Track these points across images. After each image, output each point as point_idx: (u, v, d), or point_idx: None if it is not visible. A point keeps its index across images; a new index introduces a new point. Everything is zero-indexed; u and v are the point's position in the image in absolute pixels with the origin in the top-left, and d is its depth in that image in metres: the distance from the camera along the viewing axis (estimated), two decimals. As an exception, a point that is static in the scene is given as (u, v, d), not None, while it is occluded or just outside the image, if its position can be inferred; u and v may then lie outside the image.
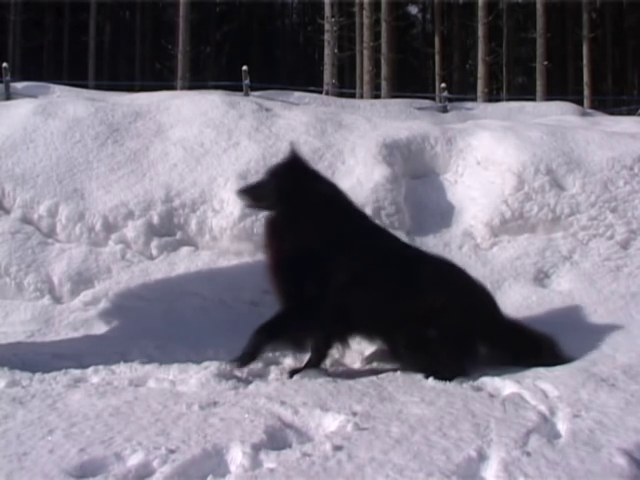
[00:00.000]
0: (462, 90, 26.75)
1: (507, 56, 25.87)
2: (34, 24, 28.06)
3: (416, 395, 3.15)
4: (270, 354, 3.76)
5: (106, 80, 24.77)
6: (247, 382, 3.41)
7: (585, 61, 23.04)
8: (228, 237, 4.80)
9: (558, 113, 13.92)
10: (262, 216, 4.15)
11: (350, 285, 3.47)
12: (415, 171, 5.60)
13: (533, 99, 19.94)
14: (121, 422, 2.81)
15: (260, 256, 4.03)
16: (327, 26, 20.35)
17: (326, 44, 20.49)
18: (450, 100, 17.25)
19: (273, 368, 3.64)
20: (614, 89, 28.65)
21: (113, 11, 31.85)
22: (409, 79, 31.60)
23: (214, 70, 31.73)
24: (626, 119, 9.90)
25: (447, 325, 3.42)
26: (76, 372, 3.48)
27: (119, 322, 4.22)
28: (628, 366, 3.52)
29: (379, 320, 3.54)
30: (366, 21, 20.53)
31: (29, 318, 4.22)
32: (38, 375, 3.40)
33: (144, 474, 2.37)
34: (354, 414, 2.88)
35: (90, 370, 3.50)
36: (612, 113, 16.43)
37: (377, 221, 4.46)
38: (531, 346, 3.64)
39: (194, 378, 3.34)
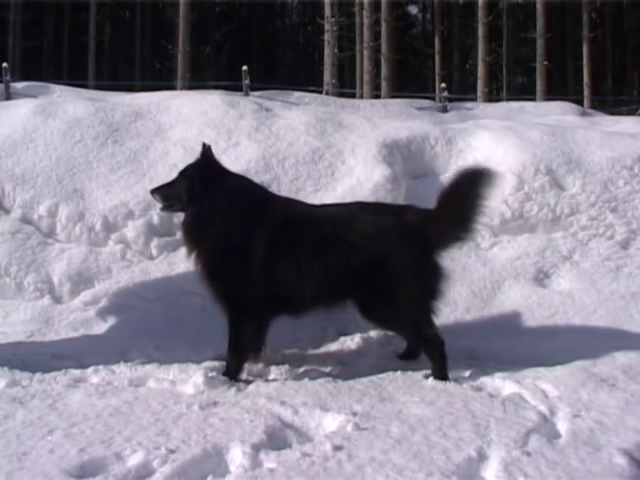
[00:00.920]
0: (462, 90, 26.75)
1: (507, 56, 25.87)
2: (34, 24, 28.03)
3: (416, 395, 3.15)
4: (270, 354, 3.77)
5: (106, 80, 24.75)
6: (247, 382, 3.41)
7: (585, 61, 23.04)
8: (228, 237, 4.79)
9: (558, 113, 13.91)
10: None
11: (283, 263, 3.46)
12: (415, 171, 5.60)
13: (533, 99, 19.93)
14: (121, 422, 2.81)
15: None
16: (327, 26, 20.34)
17: (326, 44, 20.48)
18: (450, 100, 17.23)
19: (273, 368, 3.64)
20: (614, 89, 28.66)
21: (113, 11, 31.84)
22: (409, 79, 31.61)
23: (214, 70, 31.71)
24: (626, 119, 9.90)
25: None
26: (76, 372, 3.48)
27: (119, 322, 4.22)
28: (628, 366, 3.52)
29: (328, 284, 3.50)
30: (366, 21, 20.52)
31: (29, 318, 4.22)
32: (38, 375, 3.41)
33: (144, 474, 2.37)
34: (354, 414, 2.88)
35: (90, 370, 3.51)
36: (612, 113, 16.43)
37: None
38: None
39: (194, 378, 3.34)
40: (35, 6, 27.16)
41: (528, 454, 2.50)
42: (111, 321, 4.22)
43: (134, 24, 30.90)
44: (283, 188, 5.00)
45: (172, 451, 2.51)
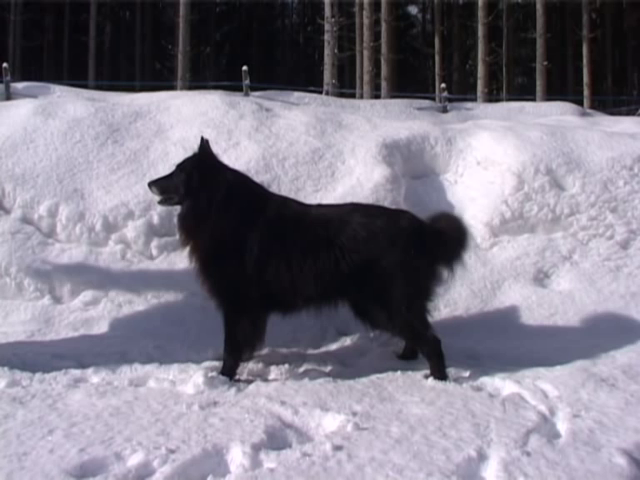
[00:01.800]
0: (462, 90, 26.74)
1: (507, 56, 25.83)
2: (34, 24, 28.00)
3: (416, 395, 3.15)
4: (270, 354, 3.77)
5: (106, 80, 24.76)
6: (247, 382, 3.41)
7: (585, 61, 23.00)
8: (228, 237, 4.79)
9: (558, 113, 13.89)
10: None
11: (278, 260, 3.46)
12: (415, 171, 5.60)
13: (533, 99, 19.91)
14: (121, 422, 2.81)
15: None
16: (327, 26, 20.31)
17: (326, 44, 20.44)
18: (450, 100, 17.21)
19: (273, 368, 3.64)
20: (614, 89, 28.62)
21: (113, 11, 31.85)
22: (409, 79, 31.57)
23: (214, 70, 31.69)
24: (626, 119, 9.89)
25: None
26: (76, 372, 3.48)
27: (119, 322, 4.22)
28: (628, 366, 3.53)
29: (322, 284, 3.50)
30: (366, 21, 20.49)
31: (29, 318, 4.22)
32: (38, 375, 3.41)
33: (144, 474, 2.37)
34: (354, 414, 2.89)
35: (90, 370, 3.51)
36: (612, 113, 16.41)
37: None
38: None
39: (194, 378, 3.34)
40: (35, 6, 27.14)
41: (528, 454, 2.50)
42: (111, 321, 4.23)
43: (134, 24, 30.89)
44: (283, 188, 5.00)
45: (172, 451, 2.51)
